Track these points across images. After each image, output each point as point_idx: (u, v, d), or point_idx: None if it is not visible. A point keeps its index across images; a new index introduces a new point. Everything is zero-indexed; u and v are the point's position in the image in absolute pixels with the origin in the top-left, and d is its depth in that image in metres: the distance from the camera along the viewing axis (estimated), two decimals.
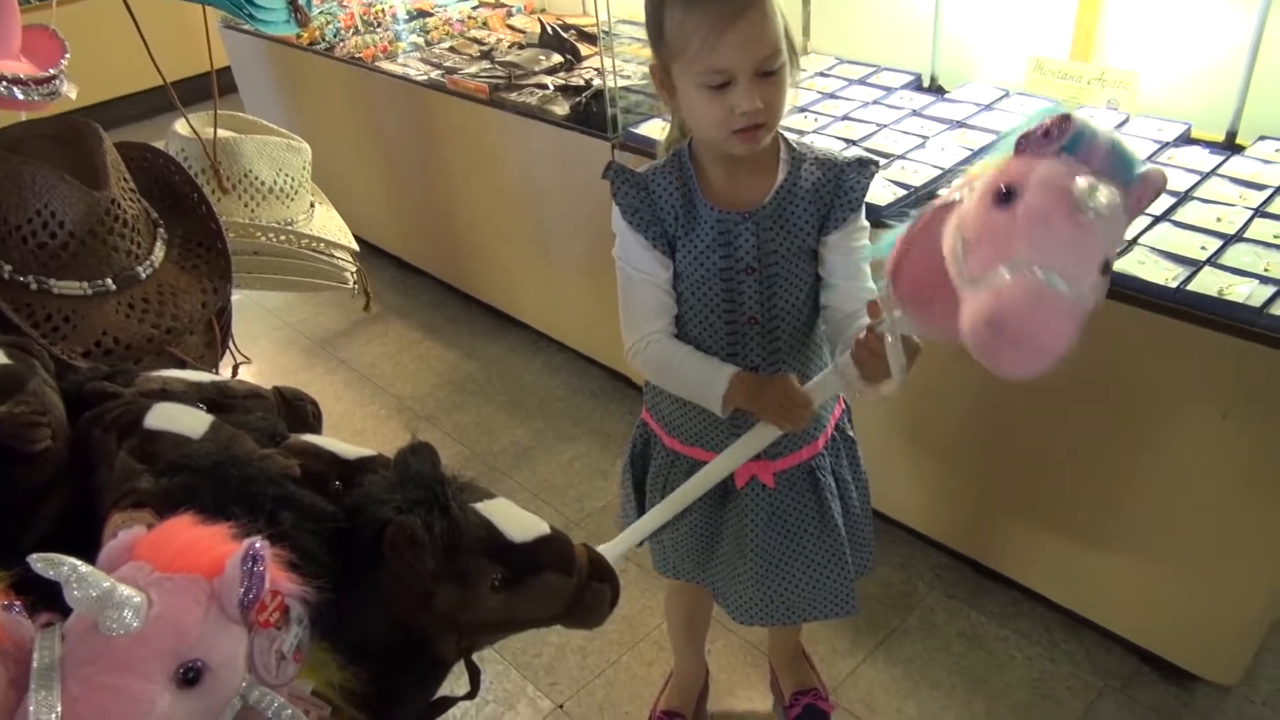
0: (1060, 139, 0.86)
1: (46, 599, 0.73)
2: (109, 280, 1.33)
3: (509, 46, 2.94)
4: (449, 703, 1.02)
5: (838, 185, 1.27)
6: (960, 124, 2.09)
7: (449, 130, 2.81)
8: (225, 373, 1.60)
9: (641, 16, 1.24)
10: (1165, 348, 1.54)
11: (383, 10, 3.33)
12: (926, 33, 2.28)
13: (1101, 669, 1.85)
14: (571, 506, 2.35)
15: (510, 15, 3.23)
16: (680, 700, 1.82)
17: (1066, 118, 0.87)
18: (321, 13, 3.34)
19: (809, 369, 1.36)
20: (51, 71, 1.84)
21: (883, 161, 1.95)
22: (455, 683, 1.02)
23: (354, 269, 1.98)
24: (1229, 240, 1.59)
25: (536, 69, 2.71)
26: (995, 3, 2.19)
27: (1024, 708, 1.80)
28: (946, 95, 2.25)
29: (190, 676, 0.69)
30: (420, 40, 3.11)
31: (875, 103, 2.25)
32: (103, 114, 1.43)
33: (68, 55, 1.88)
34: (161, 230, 1.46)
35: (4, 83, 1.72)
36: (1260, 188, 1.72)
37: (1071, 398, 1.69)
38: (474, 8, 3.36)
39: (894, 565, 2.10)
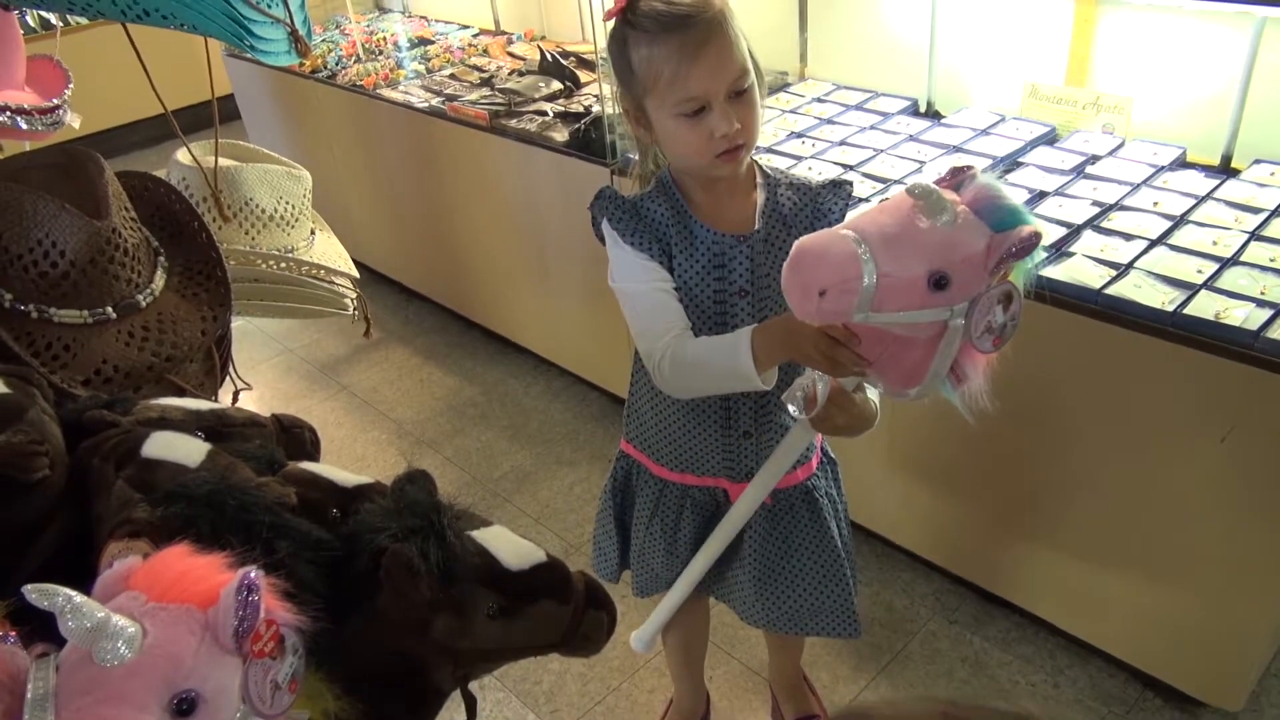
0: (956, 179, 1.01)
1: (42, 629, 0.73)
2: (109, 309, 1.34)
3: (509, 74, 2.96)
4: None
5: (815, 210, 1.28)
6: (956, 148, 2.10)
7: (450, 157, 2.83)
8: (226, 400, 1.60)
9: None
10: (1163, 372, 1.54)
11: (384, 38, 3.36)
12: (923, 58, 2.30)
13: (1105, 695, 1.84)
14: (573, 531, 2.35)
15: (510, 43, 3.26)
16: None
17: (969, 167, 1.02)
18: (323, 41, 3.38)
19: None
20: (55, 101, 1.86)
21: (879, 186, 1.97)
22: (453, 711, 1.02)
23: (354, 295, 1.99)
24: (1225, 264, 1.60)
25: (536, 96, 2.73)
26: (990, 29, 2.21)
27: None
28: (943, 120, 2.26)
29: (184, 708, 0.69)
30: (421, 68, 3.14)
31: (872, 128, 2.27)
32: (105, 142, 1.45)
33: (71, 85, 1.90)
34: (162, 259, 1.47)
35: (8, 113, 1.74)
36: (1256, 211, 1.72)
37: (1072, 421, 1.69)
38: (474, 35, 3.39)
39: (896, 590, 2.09)
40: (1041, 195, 1.86)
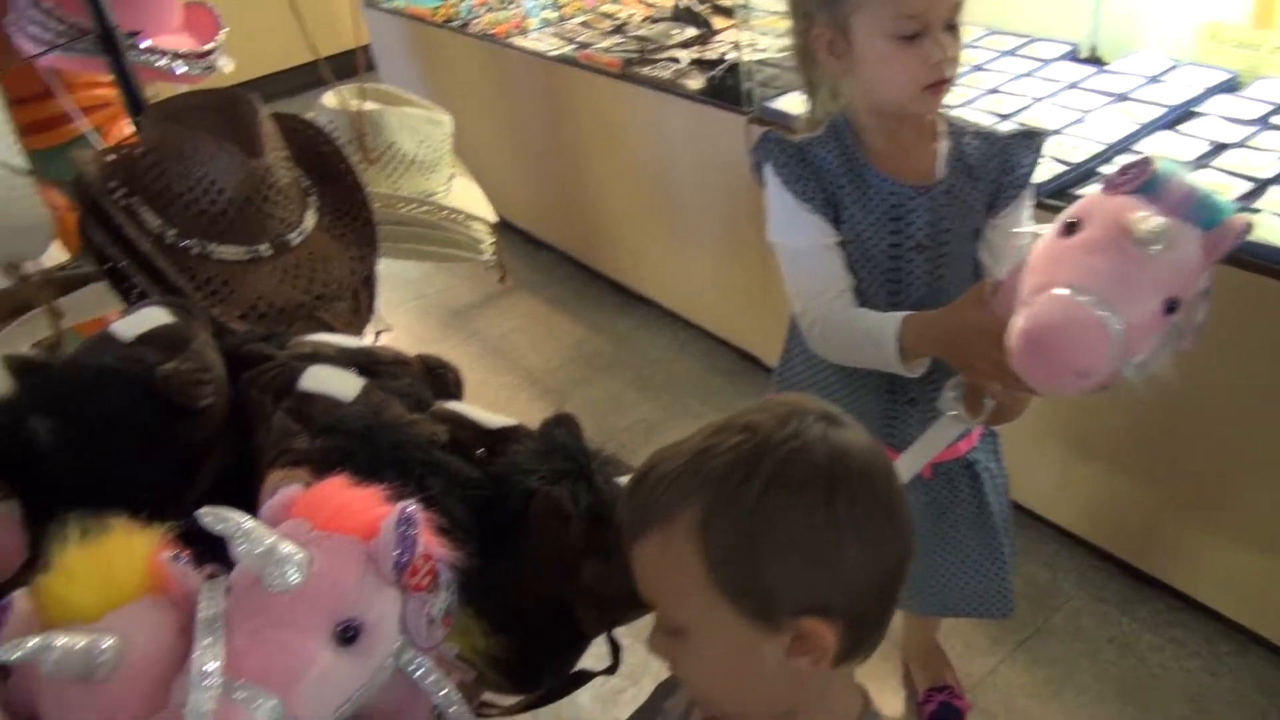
0: (1137, 180, 0.89)
1: (210, 551, 0.75)
2: (264, 246, 1.37)
3: (641, 20, 2.91)
4: (588, 676, 1.01)
5: (1004, 162, 1.20)
6: (1123, 97, 1.95)
7: (581, 105, 2.81)
8: (368, 340, 1.63)
9: None
10: None
11: None
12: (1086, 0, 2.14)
13: (1268, 688, 1.71)
14: None
15: None
16: None
17: (1146, 161, 0.90)
18: None
19: None
20: (210, 46, 1.91)
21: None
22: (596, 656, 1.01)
23: (491, 240, 2.00)
24: None
25: (669, 43, 2.68)
26: None
27: None
28: (1106, 67, 2.11)
29: (349, 635, 0.70)
30: (553, 15, 3.12)
31: (1028, 75, 2.13)
32: (249, 90, 1.47)
33: (224, 30, 1.95)
34: (312, 198, 1.49)
35: (167, 56, 1.80)
36: None
37: (1248, 397, 1.56)
38: None
39: (1039, 563, 1.99)
40: (1221, 148, 1.72)
